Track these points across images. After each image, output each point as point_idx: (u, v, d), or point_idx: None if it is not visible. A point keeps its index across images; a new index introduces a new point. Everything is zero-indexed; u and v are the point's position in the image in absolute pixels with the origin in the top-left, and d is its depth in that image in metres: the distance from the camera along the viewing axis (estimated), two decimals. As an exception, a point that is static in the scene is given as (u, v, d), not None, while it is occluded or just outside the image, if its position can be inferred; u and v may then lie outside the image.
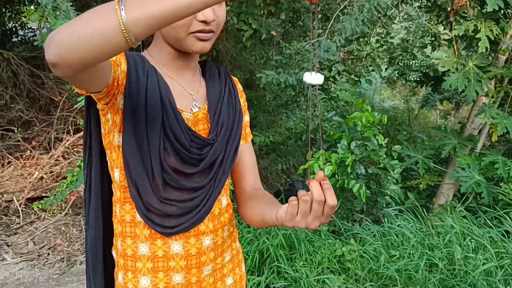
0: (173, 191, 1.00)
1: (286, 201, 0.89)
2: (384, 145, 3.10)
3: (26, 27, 5.54)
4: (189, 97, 1.06)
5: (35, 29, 5.56)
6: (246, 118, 1.23)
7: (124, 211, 1.03)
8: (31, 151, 4.75)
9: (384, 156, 3.15)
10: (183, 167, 1.00)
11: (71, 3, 1.75)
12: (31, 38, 5.60)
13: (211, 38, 0.99)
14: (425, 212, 3.07)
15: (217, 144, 1.05)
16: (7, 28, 5.42)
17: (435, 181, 3.29)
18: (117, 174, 1.02)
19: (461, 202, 3.17)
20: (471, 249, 2.54)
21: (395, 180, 3.14)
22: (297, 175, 4.26)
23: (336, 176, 3.06)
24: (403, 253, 2.58)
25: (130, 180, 0.98)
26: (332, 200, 0.83)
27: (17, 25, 5.47)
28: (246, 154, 1.21)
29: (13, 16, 5.37)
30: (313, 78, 0.83)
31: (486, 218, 2.83)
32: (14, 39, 5.59)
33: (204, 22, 0.94)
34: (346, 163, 2.94)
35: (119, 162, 1.00)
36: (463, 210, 3.04)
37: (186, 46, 0.97)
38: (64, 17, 1.70)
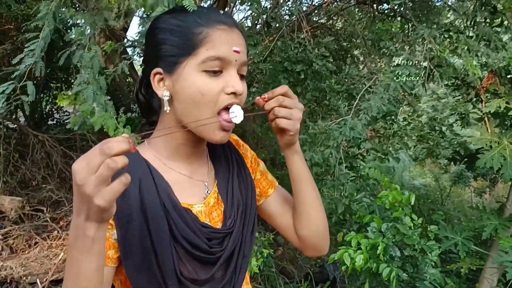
0: None
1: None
2: (418, 225, 2.94)
3: (61, 110, 5.80)
4: (200, 185, 0.98)
5: (70, 112, 5.82)
6: (261, 166, 1.15)
7: None
8: (58, 232, 4.74)
9: (418, 239, 2.98)
10: (202, 270, 0.89)
11: (109, 97, 1.81)
12: (65, 121, 5.84)
13: (232, 128, 0.92)
14: (469, 300, 2.82)
15: (236, 230, 0.96)
16: (44, 112, 5.67)
17: (477, 264, 3.07)
18: None
19: (507, 289, 2.90)
20: None
21: (433, 263, 2.93)
22: (328, 264, 4.05)
23: (369, 264, 2.88)
24: None
25: None
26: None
27: (53, 108, 5.74)
28: (277, 206, 1.11)
29: (50, 100, 5.64)
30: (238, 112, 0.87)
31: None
32: (50, 122, 5.83)
33: (234, 94, 0.88)
34: (378, 251, 2.78)
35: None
36: (511, 298, 2.77)
37: (205, 132, 0.89)
38: (102, 110, 1.75)
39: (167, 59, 0.87)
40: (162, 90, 0.89)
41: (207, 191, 0.98)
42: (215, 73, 0.86)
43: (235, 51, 0.86)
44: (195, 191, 0.96)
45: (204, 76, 0.85)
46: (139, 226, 0.83)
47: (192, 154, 0.98)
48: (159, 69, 0.89)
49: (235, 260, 0.96)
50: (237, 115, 0.87)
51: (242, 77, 0.91)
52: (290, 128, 0.91)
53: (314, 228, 1.05)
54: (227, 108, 0.88)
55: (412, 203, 2.98)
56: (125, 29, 4.23)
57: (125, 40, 2.51)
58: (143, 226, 0.84)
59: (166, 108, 0.89)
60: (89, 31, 1.76)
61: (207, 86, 0.85)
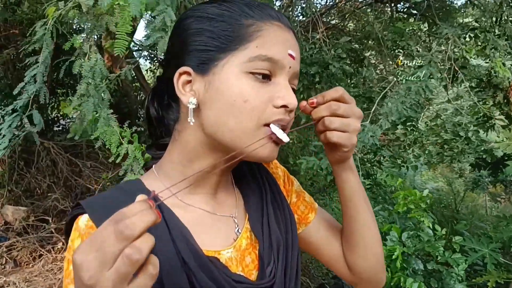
0: None
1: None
2: (442, 235, 2.77)
3: (67, 116, 5.70)
4: (228, 222, 0.76)
5: (76, 118, 5.72)
6: (296, 184, 0.93)
7: None
8: (63, 243, 4.62)
9: (442, 248, 2.80)
10: None
11: (111, 111, 1.66)
12: (71, 128, 5.75)
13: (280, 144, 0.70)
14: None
15: (278, 280, 0.73)
16: (49, 118, 5.58)
17: (505, 278, 2.88)
18: None
19: (538, 304, 2.72)
20: None
21: (460, 278, 2.75)
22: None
23: (388, 273, 2.71)
24: None
25: None
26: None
27: (59, 115, 5.64)
28: (321, 234, 0.89)
29: (55, 106, 5.55)
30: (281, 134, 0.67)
31: None
32: (55, 129, 5.73)
33: (285, 107, 0.67)
34: (393, 257, 2.60)
35: None
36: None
37: (250, 150, 0.66)
38: (104, 125, 1.60)
39: (201, 55, 0.68)
40: (188, 96, 0.69)
41: (237, 230, 0.76)
42: (264, 78, 0.67)
43: (290, 55, 0.68)
44: (222, 232, 0.74)
45: (250, 78, 0.66)
46: None
47: (219, 183, 0.76)
48: (187, 68, 0.69)
49: None
50: (278, 133, 0.68)
51: (293, 90, 0.71)
52: (345, 143, 0.70)
53: (372, 258, 0.84)
54: (280, 121, 0.68)
55: (427, 198, 2.82)
56: (132, 33, 4.11)
57: (131, 42, 2.37)
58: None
59: (191, 119, 0.68)
60: (89, 38, 1.61)
61: (253, 91, 0.65)
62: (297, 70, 0.71)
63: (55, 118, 5.71)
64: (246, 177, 0.82)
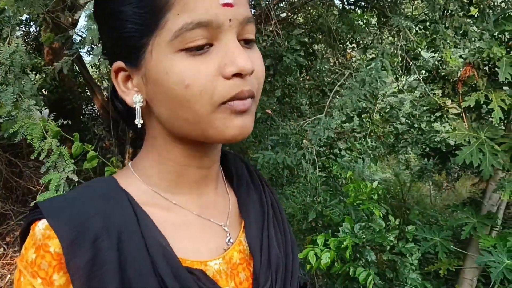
0: None
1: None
2: (396, 226, 2.81)
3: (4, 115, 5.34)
4: (218, 231, 0.65)
5: (14, 116, 5.37)
6: None
7: None
8: (5, 249, 4.33)
9: (392, 239, 2.84)
10: None
11: (34, 102, 1.50)
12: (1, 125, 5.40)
13: (251, 108, 0.57)
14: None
15: None
16: (-16, 116, 5.20)
17: (456, 265, 2.97)
18: None
19: (488, 288, 2.83)
20: None
21: (414, 267, 2.79)
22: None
23: (336, 264, 2.71)
24: None
25: None
26: None
27: (-5, 113, 5.27)
28: None
29: (-9, 104, 5.17)
30: None
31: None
32: (-8, 128, 5.36)
33: (239, 76, 0.54)
34: (342, 246, 2.59)
35: None
36: (493, 299, 2.69)
37: (213, 132, 0.55)
38: (25, 117, 1.45)
39: (126, 45, 0.56)
40: (131, 94, 0.59)
41: (229, 240, 0.65)
42: (200, 49, 0.53)
43: (224, 4, 0.53)
44: (210, 239, 0.63)
45: (184, 57, 0.53)
46: None
47: (201, 179, 0.65)
48: (120, 63, 0.58)
49: None
50: None
51: (248, 42, 0.57)
52: None
53: None
54: (237, 98, 0.54)
55: (377, 189, 2.85)
56: (74, 25, 3.88)
57: (70, 33, 2.20)
58: None
59: (138, 120, 0.58)
60: (12, 20, 1.45)
61: (192, 71, 0.52)
62: (245, 15, 0.55)
63: (-10, 117, 5.34)
64: (249, 187, 0.72)
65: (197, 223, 0.63)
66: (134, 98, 0.58)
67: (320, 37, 3.66)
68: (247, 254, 0.65)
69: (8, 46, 1.40)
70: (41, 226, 0.54)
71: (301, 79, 3.36)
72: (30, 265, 0.53)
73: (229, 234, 0.65)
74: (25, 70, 1.50)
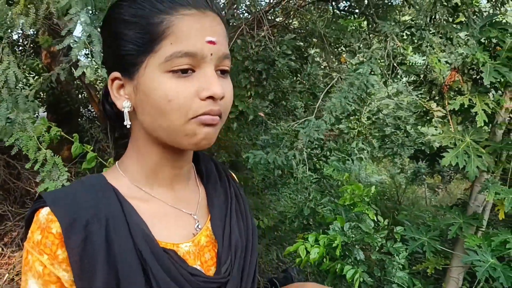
0: None
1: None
2: (384, 226, 2.89)
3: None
4: (189, 219, 0.79)
5: (11, 119, 5.43)
6: None
7: None
8: (2, 249, 4.39)
9: (379, 239, 2.92)
10: None
11: (27, 115, 1.59)
12: None
13: (217, 124, 0.70)
14: (437, 301, 2.78)
15: (232, 281, 0.76)
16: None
17: (443, 264, 3.04)
18: None
19: (473, 287, 2.90)
20: None
21: (401, 266, 2.87)
22: (283, 256, 3.96)
23: (325, 260, 2.80)
24: None
25: None
26: None
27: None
28: None
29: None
30: None
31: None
32: (-10, 129, 5.42)
33: (211, 98, 0.67)
34: (333, 245, 2.68)
35: None
36: (478, 297, 2.76)
37: (182, 140, 0.69)
38: (19, 130, 1.54)
39: (125, 60, 0.69)
40: (122, 100, 0.72)
41: (197, 226, 0.79)
42: (184, 72, 0.67)
43: (208, 41, 0.67)
44: (182, 226, 0.77)
45: (171, 77, 0.66)
46: (105, 281, 0.65)
47: (174, 177, 0.78)
48: (117, 74, 0.72)
49: None
50: None
51: (223, 72, 0.72)
52: None
53: None
54: (206, 114, 0.69)
55: (372, 193, 2.93)
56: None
57: (66, 37, 2.27)
58: (111, 281, 0.65)
59: (127, 122, 0.72)
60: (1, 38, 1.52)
61: (175, 90, 0.66)
62: (224, 52, 0.70)
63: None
64: (216, 183, 0.86)
65: (171, 212, 0.77)
66: (124, 104, 0.71)
67: (315, 41, 3.75)
68: (213, 238, 0.79)
69: (0, 64, 1.47)
70: (44, 212, 0.67)
71: (296, 82, 3.45)
72: (36, 245, 0.66)
73: (198, 221, 0.79)
74: (17, 85, 1.57)
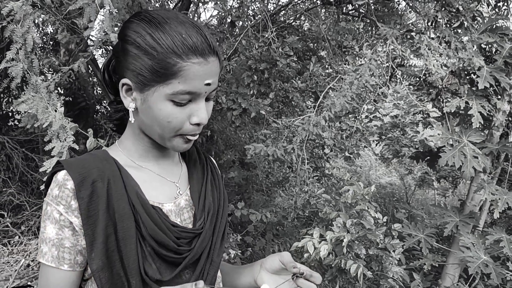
0: None
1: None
2: (383, 223, 2.98)
3: (23, 111, 5.60)
4: (172, 186, 1.00)
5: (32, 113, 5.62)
6: None
7: None
8: (19, 237, 4.58)
9: (381, 236, 3.01)
10: (167, 270, 0.91)
11: (42, 78, 1.69)
12: (22, 119, 5.64)
13: (196, 139, 0.95)
14: (432, 296, 2.86)
15: (205, 233, 0.96)
16: (4, 112, 5.47)
17: (439, 261, 3.12)
18: None
19: (468, 284, 2.98)
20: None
21: (396, 261, 2.97)
22: (290, 251, 4.06)
23: (331, 255, 2.91)
24: None
25: None
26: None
27: (13, 110, 5.54)
28: None
29: (10, 101, 5.44)
30: None
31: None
32: (10, 123, 5.63)
33: (198, 125, 0.90)
34: (343, 244, 2.81)
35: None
36: (472, 293, 2.84)
37: (169, 145, 0.92)
38: (32, 91, 1.67)
39: (138, 77, 0.86)
40: (129, 101, 0.90)
41: (179, 191, 1.00)
42: (183, 103, 0.87)
43: (206, 84, 0.86)
44: (166, 190, 0.98)
45: (172, 104, 0.85)
46: (105, 225, 0.85)
47: (162, 156, 1.00)
48: (128, 81, 0.88)
49: (202, 263, 0.96)
50: None
51: (208, 99, 0.92)
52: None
53: None
54: (191, 135, 0.91)
55: (372, 191, 3.02)
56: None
57: (85, 36, 2.43)
58: (110, 225, 0.85)
59: (132, 119, 0.91)
60: (25, 4, 1.64)
61: (174, 115, 0.86)
62: (214, 88, 0.90)
63: (10, 113, 5.61)
64: (196, 161, 1.08)
65: (159, 180, 0.98)
66: (130, 104, 0.90)
67: (323, 43, 3.85)
68: (191, 203, 1.01)
69: (21, 27, 1.60)
70: (62, 173, 0.87)
71: (298, 82, 3.55)
72: (55, 198, 0.85)
73: (179, 188, 1.01)
74: (34, 50, 1.70)
